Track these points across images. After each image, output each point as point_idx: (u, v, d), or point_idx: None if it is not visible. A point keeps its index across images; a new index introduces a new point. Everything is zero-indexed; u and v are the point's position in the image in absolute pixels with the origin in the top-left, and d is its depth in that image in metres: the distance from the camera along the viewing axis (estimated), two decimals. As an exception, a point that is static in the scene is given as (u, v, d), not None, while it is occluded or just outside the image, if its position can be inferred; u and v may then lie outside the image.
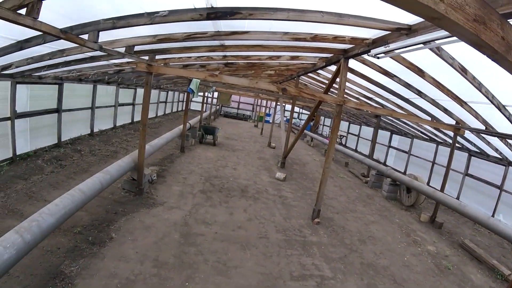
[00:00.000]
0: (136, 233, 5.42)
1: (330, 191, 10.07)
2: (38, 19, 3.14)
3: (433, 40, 4.13)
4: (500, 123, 6.99)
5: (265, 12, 3.80)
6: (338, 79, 7.11)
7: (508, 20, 1.89)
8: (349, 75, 7.84)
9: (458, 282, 5.82)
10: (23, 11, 3.01)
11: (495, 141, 8.67)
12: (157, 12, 3.94)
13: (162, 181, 8.26)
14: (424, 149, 14.00)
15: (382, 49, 4.77)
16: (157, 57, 7.17)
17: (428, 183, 12.46)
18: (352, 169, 14.76)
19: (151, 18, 4.06)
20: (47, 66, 6.93)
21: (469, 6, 1.68)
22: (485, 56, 2.06)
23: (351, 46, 6.06)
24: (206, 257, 5.06)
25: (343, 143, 22.81)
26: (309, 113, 29.60)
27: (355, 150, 20.32)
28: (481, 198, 10.45)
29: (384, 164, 16.52)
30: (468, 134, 9.01)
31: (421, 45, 4.43)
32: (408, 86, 7.19)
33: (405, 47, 4.49)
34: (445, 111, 7.98)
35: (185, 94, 12.56)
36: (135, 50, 6.15)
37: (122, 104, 14.63)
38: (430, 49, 4.68)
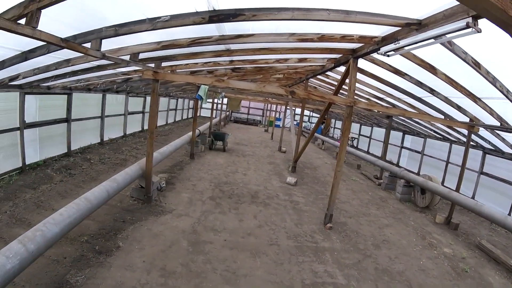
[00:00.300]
0: (143, 242, 5.35)
1: (343, 194, 9.85)
2: (38, 28, 3.10)
3: (445, 34, 3.96)
4: None
5: (269, 13, 3.69)
6: (347, 80, 6.97)
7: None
8: (359, 76, 7.66)
9: (476, 286, 5.59)
10: (23, 21, 2.99)
11: (510, 137, 8.43)
12: (159, 18, 3.88)
13: (171, 188, 8.21)
14: (438, 148, 13.75)
15: (392, 46, 4.60)
16: (164, 64, 7.17)
17: (442, 184, 12.15)
18: (365, 172, 14.49)
19: (153, 23, 4.00)
20: (54, 76, 6.99)
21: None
22: None
23: (359, 45, 5.91)
24: (214, 265, 4.94)
25: (355, 145, 22.52)
26: (319, 116, 29.41)
27: (367, 152, 20.05)
28: (497, 197, 10.18)
29: (397, 165, 16.24)
30: (482, 131, 8.75)
31: (432, 40, 4.25)
32: (420, 84, 6.99)
33: (416, 42, 4.31)
34: (459, 108, 7.75)
35: (194, 101, 12.64)
36: (140, 57, 6.16)
37: (132, 113, 14.72)
38: (442, 44, 4.50)
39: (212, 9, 3.67)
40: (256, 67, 8.76)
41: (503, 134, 8.48)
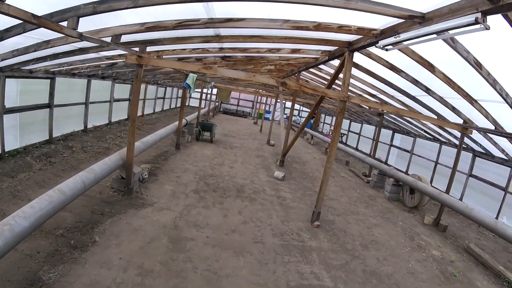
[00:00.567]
0: (121, 237, 5.04)
1: (331, 191, 9.66)
2: (6, 2, 2.74)
3: (449, 29, 3.70)
4: (510, 123, 6.70)
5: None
6: (341, 75, 6.71)
7: None
8: (353, 70, 7.39)
9: (464, 291, 5.45)
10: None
11: (502, 141, 8.34)
12: (141, -7, 3.52)
13: (154, 180, 7.86)
14: (427, 148, 13.72)
15: (391, 39, 4.33)
16: (149, 49, 6.79)
17: (431, 184, 12.07)
18: (353, 168, 14.36)
19: (134, 0, 3.64)
20: (35, 59, 6.63)
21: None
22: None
23: (356, 38, 5.63)
24: (195, 264, 4.65)
25: (344, 141, 22.43)
26: (309, 110, 29.20)
27: (356, 149, 19.98)
28: (485, 200, 10.18)
29: (386, 163, 16.17)
30: (474, 134, 8.66)
31: (435, 35, 4.00)
32: (415, 82, 6.78)
33: (417, 37, 4.05)
34: (453, 109, 7.61)
35: (182, 89, 12.24)
36: (124, 40, 5.77)
37: (118, 100, 14.24)
38: (445, 40, 4.26)
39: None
40: (247, 57, 8.41)
41: (495, 138, 8.41)
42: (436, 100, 7.31)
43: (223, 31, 5.54)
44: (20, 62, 6.69)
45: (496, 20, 3.32)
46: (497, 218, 9.35)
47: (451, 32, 3.80)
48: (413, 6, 3.75)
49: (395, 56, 5.85)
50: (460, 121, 8.06)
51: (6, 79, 7.06)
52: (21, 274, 3.76)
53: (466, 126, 7.85)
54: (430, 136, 13.04)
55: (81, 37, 4.38)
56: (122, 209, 6.00)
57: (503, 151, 8.82)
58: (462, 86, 6.05)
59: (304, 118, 30.80)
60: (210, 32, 5.55)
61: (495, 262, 6.47)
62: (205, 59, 8.72)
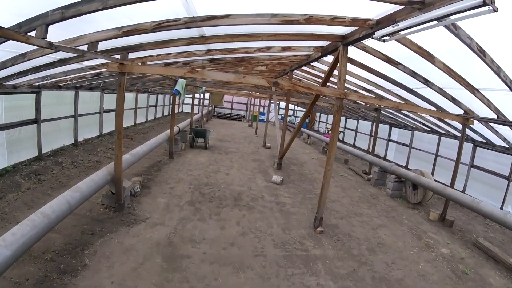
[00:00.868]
0: (113, 258, 4.67)
1: (332, 192, 9.29)
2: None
3: (453, 14, 3.38)
4: (511, 111, 6.50)
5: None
6: (336, 72, 6.39)
7: None
8: (348, 66, 7.06)
9: (478, 289, 5.17)
10: None
11: (504, 130, 8.12)
12: (110, -7, 3.17)
13: (147, 193, 7.48)
14: (426, 141, 13.55)
15: (389, 29, 4.00)
16: (132, 55, 6.45)
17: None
18: (353, 166, 14.03)
19: (103, 1, 3.30)
20: (16, 74, 6.29)
21: None
22: None
23: (350, 30, 5.30)
24: (192, 284, 4.29)
25: (341, 139, 22.17)
26: (304, 110, 28.93)
27: (354, 146, 19.74)
28: (488, 190, 10.01)
29: (385, 158, 15.93)
30: (475, 124, 8.36)
31: (436, 22, 3.68)
32: (414, 74, 6.46)
33: (417, 24, 3.72)
34: (453, 100, 7.31)
35: (172, 96, 11.93)
36: (103, 48, 5.45)
37: (108, 111, 13.83)
38: (446, 27, 3.94)
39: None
40: (236, 58, 8.06)
41: (497, 127, 8.18)
42: (436, 91, 7.02)
43: (208, 31, 5.18)
44: (2, 78, 6.38)
45: (501, 1, 3.02)
46: (502, 207, 9.23)
47: (453, 17, 3.48)
48: (412, -9, 3.43)
49: (391, 48, 5.53)
50: (461, 112, 7.79)
51: (-11, 96, 6.69)
52: (9, 305, 3.40)
53: (468, 117, 7.57)
54: (428, 129, 12.82)
55: (51, 46, 4.04)
56: (113, 227, 5.63)
57: (504, 139, 8.63)
58: (463, 76, 5.75)
59: (299, 118, 30.60)
60: (194, 32, 5.20)
61: (506, 256, 6.26)
62: (193, 63, 8.36)
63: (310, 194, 9.02)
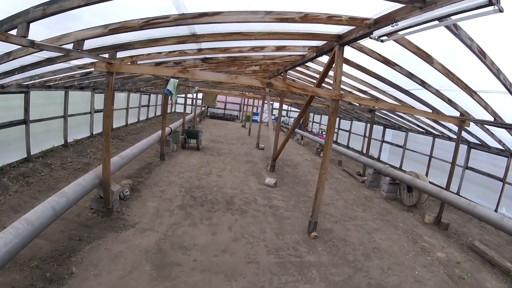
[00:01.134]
0: (100, 266, 4.48)
1: (326, 195, 9.12)
2: None
3: (452, 15, 3.23)
4: (508, 113, 6.45)
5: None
6: (331, 73, 6.22)
7: None
8: (343, 67, 6.92)
9: (475, 294, 5.06)
10: None
11: (499, 132, 8.11)
12: (92, -13, 2.97)
13: (136, 197, 7.25)
14: (420, 142, 13.52)
15: (388, 28, 3.83)
16: (122, 54, 6.24)
17: (426, 179, 11.83)
18: (347, 168, 13.91)
19: None
20: (3, 73, 6.08)
21: None
22: None
23: (347, 30, 5.14)
24: (182, 295, 4.09)
25: (335, 140, 22.08)
26: (298, 110, 28.83)
27: (348, 147, 19.66)
28: (483, 191, 10.00)
29: (379, 160, 15.88)
30: (470, 125, 8.31)
31: (436, 22, 3.53)
32: (410, 75, 6.33)
33: (417, 24, 3.57)
34: (450, 102, 7.22)
35: (164, 96, 11.69)
36: (92, 47, 5.26)
37: (99, 111, 13.50)
38: (447, 27, 3.79)
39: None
40: (229, 57, 7.85)
41: (492, 129, 8.15)
42: (432, 93, 6.92)
43: (199, 29, 4.98)
44: (-13, 78, 6.13)
45: (504, 2, 2.89)
46: (496, 209, 9.22)
47: (455, 17, 3.33)
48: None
49: (389, 49, 5.40)
50: (457, 113, 7.70)
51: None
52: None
53: (464, 119, 7.47)
54: (422, 130, 12.76)
55: (33, 45, 3.83)
56: (101, 233, 5.42)
57: (500, 141, 8.60)
58: (461, 78, 5.64)
59: (293, 118, 30.48)
60: (184, 30, 4.99)
61: (502, 259, 6.23)
62: (185, 62, 8.13)
63: (304, 197, 8.86)
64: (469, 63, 4.76)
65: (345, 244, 6.20)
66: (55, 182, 7.50)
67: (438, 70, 5.34)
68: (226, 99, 33.43)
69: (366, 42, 5.56)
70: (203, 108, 29.46)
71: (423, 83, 6.56)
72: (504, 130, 7.51)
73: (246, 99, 29.35)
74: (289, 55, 8.16)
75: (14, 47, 4.50)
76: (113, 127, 15.58)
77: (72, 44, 4.57)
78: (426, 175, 12.25)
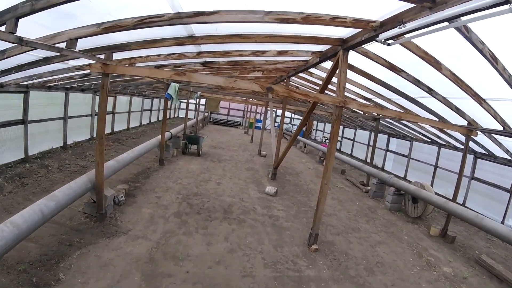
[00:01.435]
0: (88, 274, 4.27)
1: (328, 205, 8.85)
2: None
3: (463, 15, 3.02)
4: None
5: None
6: (334, 79, 6.01)
7: None
8: (347, 73, 6.71)
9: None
10: None
11: (507, 141, 7.86)
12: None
13: (132, 202, 7.02)
14: (425, 152, 13.27)
15: (395, 31, 3.61)
16: (119, 56, 6.08)
17: (431, 190, 11.55)
18: (350, 177, 13.60)
19: None
20: (0, 72, 6.01)
21: None
22: None
23: (352, 34, 4.93)
24: (171, 310, 3.84)
25: (338, 148, 21.80)
26: (301, 118, 28.58)
27: (351, 156, 19.38)
28: (489, 203, 9.75)
29: (383, 169, 15.58)
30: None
31: (446, 24, 3.30)
32: (417, 82, 6.11)
33: (426, 26, 3.34)
34: (457, 110, 6.98)
35: (164, 100, 11.58)
36: (87, 47, 5.14)
37: (100, 113, 13.39)
38: (458, 29, 3.57)
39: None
40: (230, 62, 7.66)
41: (500, 139, 7.91)
42: (439, 101, 6.69)
43: (197, 30, 4.79)
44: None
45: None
46: (503, 221, 8.99)
47: (466, 18, 3.12)
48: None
49: (395, 54, 5.20)
50: (464, 122, 7.45)
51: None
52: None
53: (472, 128, 7.22)
54: (428, 139, 12.49)
55: (21, 41, 3.67)
56: (92, 238, 5.21)
57: (507, 151, 8.36)
58: (470, 85, 5.41)
59: (296, 126, 30.22)
60: (182, 31, 4.81)
61: (510, 273, 6.01)
62: (185, 66, 7.95)
63: (305, 206, 8.57)
64: (479, 69, 4.57)
65: (347, 258, 5.91)
66: (50, 184, 7.36)
67: (446, 76, 5.10)
68: (230, 105, 33.36)
69: (371, 47, 5.36)
70: (206, 114, 29.33)
71: (430, 91, 6.33)
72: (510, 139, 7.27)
73: (250, 106, 29.21)
74: (292, 61, 7.96)
75: (8, 45, 4.36)
76: (114, 130, 15.59)
77: (65, 43, 4.42)
78: (431, 185, 11.97)
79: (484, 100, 5.80)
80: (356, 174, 14.86)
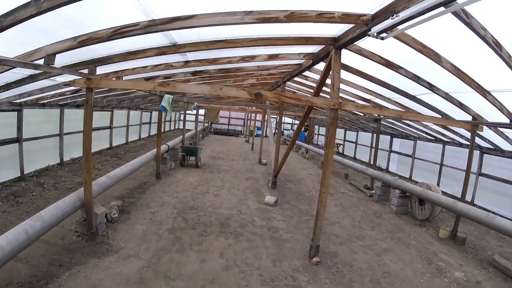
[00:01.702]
0: (76, 296, 3.99)
1: (331, 213, 8.50)
2: None
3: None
4: None
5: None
6: (328, 81, 5.74)
7: None
8: (342, 74, 6.43)
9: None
10: None
11: (514, 135, 7.58)
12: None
13: (125, 219, 6.74)
14: (429, 151, 13.03)
15: (388, 22, 3.32)
16: (105, 69, 5.93)
17: (438, 189, 11.22)
18: (354, 181, 13.23)
19: (38, 4, 2.82)
20: None
21: None
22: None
23: (342, 31, 4.67)
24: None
25: (341, 152, 21.46)
26: (301, 122, 28.29)
27: (354, 159, 19.07)
28: (498, 199, 9.47)
29: (387, 171, 15.26)
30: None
31: (442, 9, 3.01)
32: (417, 79, 5.83)
33: (422, 13, 3.05)
34: (461, 105, 6.70)
35: (159, 113, 11.40)
36: (71, 63, 5.07)
37: (97, 128, 13.32)
38: (457, 14, 3.28)
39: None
40: (220, 69, 7.42)
41: (507, 132, 7.68)
42: (441, 97, 6.41)
43: (178, 38, 4.55)
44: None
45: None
46: None
47: (461, 1, 2.83)
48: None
49: (391, 50, 4.94)
50: (468, 117, 7.17)
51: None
52: None
53: (477, 123, 6.91)
54: (432, 138, 12.20)
55: (-2, 61, 3.49)
56: (82, 258, 4.98)
57: (514, 144, 8.03)
58: (473, 77, 5.13)
59: (297, 132, 29.91)
60: (163, 40, 4.58)
61: None
62: (174, 76, 7.71)
63: (307, 215, 8.20)
64: (482, 59, 4.33)
65: (351, 269, 5.53)
66: (44, 202, 7.20)
67: (447, 69, 4.82)
68: (230, 114, 33.20)
69: (365, 44, 5.09)
70: (206, 124, 29.17)
71: (431, 86, 6.05)
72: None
73: (250, 114, 28.99)
74: (285, 65, 7.71)
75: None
76: (113, 145, 15.48)
77: (43, 59, 4.24)
78: (438, 184, 11.71)
79: (488, 92, 5.52)
80: (360, 177, 14.49)
